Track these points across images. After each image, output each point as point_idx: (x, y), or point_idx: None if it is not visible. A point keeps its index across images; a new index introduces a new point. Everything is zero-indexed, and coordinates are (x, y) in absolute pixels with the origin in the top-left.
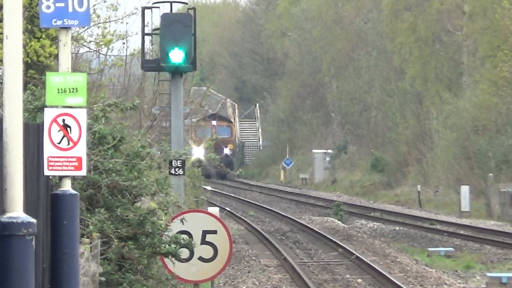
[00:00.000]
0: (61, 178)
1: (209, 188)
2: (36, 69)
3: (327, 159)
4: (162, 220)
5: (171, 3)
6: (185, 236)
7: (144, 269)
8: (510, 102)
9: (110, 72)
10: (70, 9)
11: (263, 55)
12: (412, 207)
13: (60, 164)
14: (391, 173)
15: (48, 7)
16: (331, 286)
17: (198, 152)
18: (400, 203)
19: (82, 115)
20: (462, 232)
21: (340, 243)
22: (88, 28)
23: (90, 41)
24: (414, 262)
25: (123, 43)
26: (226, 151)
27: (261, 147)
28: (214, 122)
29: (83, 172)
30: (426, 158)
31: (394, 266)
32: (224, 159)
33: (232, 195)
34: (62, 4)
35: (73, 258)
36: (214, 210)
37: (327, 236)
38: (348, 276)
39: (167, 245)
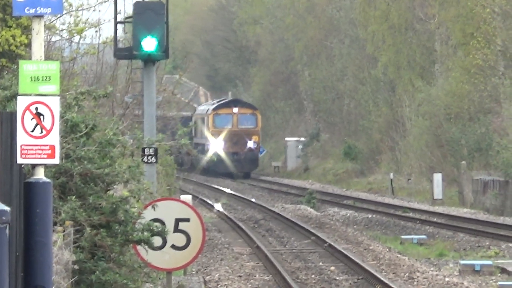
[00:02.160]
0: (34, 166)
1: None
2: (8, 58)
3: (300, 147)
4: (135, 208)
5: None
6: (157, 224)
7: (117, 257)
8: (483, 90)
9: (82, 60)
10: None
11: (236, 43)
12: (385, 195)
13: (33, 152)
14: (364, 161)
15: None
16: (304, 274)
17: (216, 145)
18: (372, 191)
19: (55, 103)
20: (435, 219)
21: (313, 231)
22: (60, 16)
23: (63, 30)
24: (387, 250)
25: (96, 31)
26: (250, 144)
27: None
28: (235, 109)
29: (56, 160)
30: (398, 146)
31: (367, 254)
32: (247, 154)
33: (204, 183)
34: None
35: (46, 246)
36: (187, 198)
37: (300, 224)
38: (321, 264)
39: (139, 233)
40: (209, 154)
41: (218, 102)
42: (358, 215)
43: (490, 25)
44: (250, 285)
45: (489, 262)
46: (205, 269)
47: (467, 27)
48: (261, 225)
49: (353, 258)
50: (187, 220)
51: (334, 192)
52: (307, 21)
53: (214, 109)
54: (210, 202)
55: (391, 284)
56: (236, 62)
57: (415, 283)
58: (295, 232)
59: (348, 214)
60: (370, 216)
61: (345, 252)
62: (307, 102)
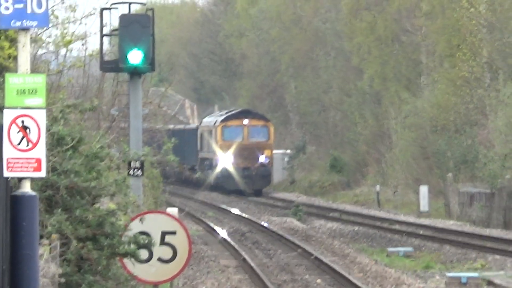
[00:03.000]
0: (20, 179)
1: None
2: None
3: (286, 159)
4: (121, 221)
5: (129, 4)
6: (144, 237)
7: (103, 270)
8: (469, 102)
9: (69, 73)
10: (29, 10)
11: (222, 56)
12: (371, 207)
13: (20, 165)
14: (350, 173)
15: (7, 8)
16: (291, 287)
17: (224, 160)
18: (359, 203)
19: (41, 116)
20: (421, 232)
21: (299, 244)
22: (47, 29)
23: (49, 42)
24: (374, 262)
25: (82, 44)
26: (262, 159)
27: None
28: (245, 121)
29: (42, 174)
30: (385, 158)
31: (354, 266)
32: (259, 170)
33: (191, 195)
34: (21, 5)
35: (33, 259)
36: (173, 211)
37: (286, 236)
38: (307, 276)
39: (126, 246)
40: (218, 169)
41: (227, 113)
42: (345, 228)
43: (476, 37)
44: None
45: (475, 274)
46: (191, 282)
47: (453, 39)
48: (248, 238)
49: (339, 270)
50: (174, 233)
51: (321, 205)
52: (293, 34)
53: (222, 121)
54: (196, 215)
55: None
56: (222, 74)
57: None
58: (281, 244)
59: (335, 227)
60: (356, 228)
61: (331, 264)
62: (293, 114)
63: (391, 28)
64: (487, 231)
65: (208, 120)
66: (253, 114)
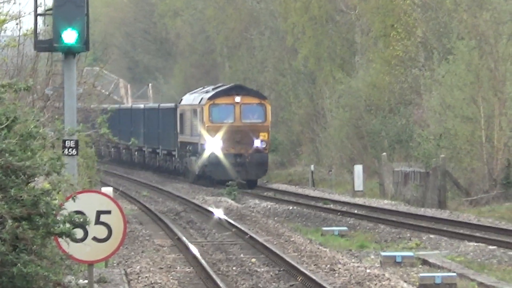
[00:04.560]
0: None
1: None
2: None
3: None
4: (56, 200)
5: None
6: (79, 216)
7: (38, 250)
8: (403, 81)
9: (3, 53)
10: None
11: (156, 35)
12: (306, 186)
13: None
14: (285, 152)
15: None
16: (225, 266)
17: (212, 145)
18: (293, 183)
19: None
20: (355, 211)
21: (234, 223)
22: None
23: None
24: (308, 241)
25: (16, 24)
26: (257, 143)
27: None
28: (237, 98)
29: None
30: (319, 137)
31: (288, 245)
32: (253, 157)
33: (125, 175)
34: None
35: None
36: (108, 190)
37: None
38: (242, 255)
39: (61, 225)
40: (204, 156)
41: (214, 89)
42: (279, 207)
43: (410, 16)
44: (171, 277)
45: (410, 253)
46: (126, 261)
47: (387, 19)
48: (182, 217)
49: (274, 250)
50: (108, 212)
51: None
52: (227, 13)
53: (210, 98)
54: (130, 194)
55: (312, 276)
56: (157, 54)
57: (336, 274)
58: (216, 224)
59: (269, 206)
60: (291, 208)
61: (266, 244)
62: None
63: (325, 8)
64: (421, 211)
65: (190, 98)
66: (247, 90)
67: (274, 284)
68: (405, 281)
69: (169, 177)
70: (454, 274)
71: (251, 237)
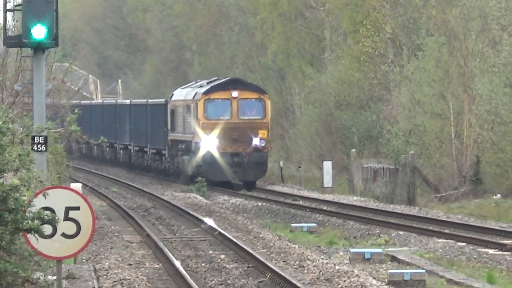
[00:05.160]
0: None
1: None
2: None
3: None
4: (25, 196)
5: None
6: (48, 212)
7: (7, 245)
8: (373, 77)
9: None
10: None
11: (125, 31)
12: (275, 182)
13: None
14: None
15: None
16: (194, 262)
17: (207, 143)
18: (262, 179)
19: None
20: (325, 208)
21: (203, 219)
22: None
23: None
24: (277, 238)
25: None
26: (256, 141)
27: None
28: (235, 93)
29: None
30: (288, 133)
31: (257, 242)
32: (252, 156)
33: (94, 171)
34: None
35: None
36: (77, 186)
37: (190, 212)
38: (211, 252)
39: (30, 221)
40: (199, 155)
41: (209, 83)
42: (248, 203)
43: (380, 12)
44: (140, 273)
45: (379, 250)
46: (95, 257)
47: (356, 15)
48: (151, 213)
49: (243, 246)
50: (77, 208)
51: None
52: (196, 9)
53: (205, 93)
54: (99, 190)
55: (281, 272)
56: (126, 50)
57: (305, 271)
58: (185, 220)
59: (238, 202)
60: (260, 204)
61: (235, 240)
62: None
63: (294, 4)
64: (391, 207)
65: (182, 93)
66: (245, 84)
67: (243, 280)
68: (374, 278)
69: (139, 173)
70: (423, 270)
71: (220, 233)
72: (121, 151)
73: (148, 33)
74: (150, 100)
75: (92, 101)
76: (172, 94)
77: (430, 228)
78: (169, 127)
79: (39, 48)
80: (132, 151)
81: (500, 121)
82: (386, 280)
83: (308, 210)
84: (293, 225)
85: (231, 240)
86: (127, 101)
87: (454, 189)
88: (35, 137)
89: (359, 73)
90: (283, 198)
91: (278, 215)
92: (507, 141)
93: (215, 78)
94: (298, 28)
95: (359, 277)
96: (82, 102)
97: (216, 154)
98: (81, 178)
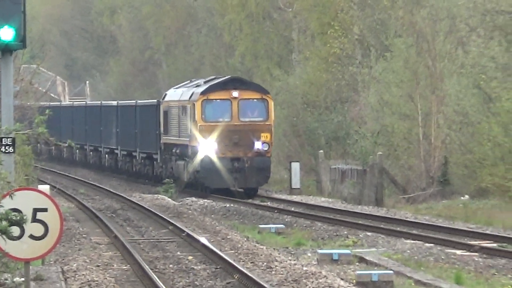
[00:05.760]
0: None
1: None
2: None
3: None
4: None
5: None
6: (16, 214)
7: None
8: (340, 79)
9: None
10: None
11: (93, 33)
12: None
13: None
14: None
15: None
16: (162, 264)
17: (206, 148)
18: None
19: None
20: (292, 209)
21: (171, 221)
22: None
23: None
24: (245, 239)
25: None
26: (258, 145)
27: None
28: (235, 93)
29: None
30: None
31: (225, 243)
32: (254, 161)
33: (62, 172)
34: None
35: None
36: (45, 188)
37: (158, 213)
38: (179, 253)
39: None
40: (196, 161)
41: (207, 82)
42: (216, 205)
43: (347, 14)
44: (108, 275)
45: (347, 251)
46: (63, 259)
47: (324, 16)
48: (119, 215)
49: (211, 247)
50: (45, 210)
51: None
52: (164, 10)
53: (203, 93)
54: (68, 192)
55: (249, 274)
56: (94, 51)
57: (273, 272)
58: (153, 221)
59: (206, 204)
60: (228, 205)
61: (203, 241)
62: (165, 91)
63: (262, 5)
64: (358, 208)
65: (177, 93)
66: (246, 84)
67: (211, 281)
68: (342, 279)
69: (108, 175)
70: (391, 271)
71: (188, 234)
72: (106, 155)
73: (116, 35)
74: (139, 101)
75: (74, 103)
76: (165, 94)
77: (398, 229)
78: (162, 129)
79: (6, 50)
80: (119, 155)
81: (468, 122)
82: (354, 281)
83: (276, 211)
84: (261, 226)
85: (199, 242)
86: (114, 102)
87: (422, 190)
88: (3, 139)
89: (327, 74)
90: (251, 200)
91: (246, 216)
92: (475, 142)
93: (213, 76)
94: (266, 29)
95: (327, 278)
96: (63, 104)
97: (215, 159)
98: (49, 180)
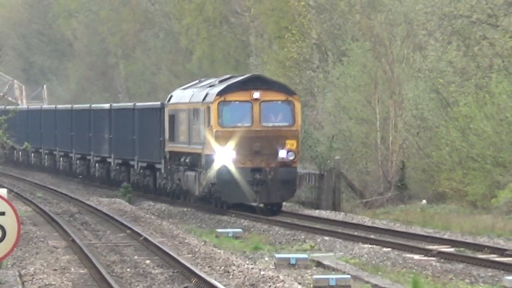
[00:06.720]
0: None
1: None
2: None
3: None
4: None
5: None
6: None
7: None
8: (298, 83)
9: None
10: None
11: (51, 36)
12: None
13: None
14: None
15: None
16: (120, 268)
17: (223, 156)
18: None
19: None
20: (250, 213)
21: (128, 225)
22: None
23: None
24: (202, 243)
25: None
26: (283, 154)
27: None
28: (256, 94)
29: None
30: None
31: (183, 247)
32: (278, 172)
33: (20, 176)
34: None
35: None
36: (2, 191)
37: (115, 217)
38: (136, 257)
39: None
40: (212, 171)
41: (222, 81)
42: (173, 209)
43: (305, 18)
44: (65, 279)
45: (304, 255)
46: (20, 263)
47: (282, 21)
48: (77, 219)
49: (168, 251)
50: (2, 213)
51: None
52: (122, 15)
53: (219, 94)
54: (26, 196)
55: (206, 278)
56: (51, 55)
57: (230, 276)
58: (110, 225)
59: (163, 208)
60: (185, 209)
61: (160, 245)
62: (123, 95)
63: (220, 10)
64: (316, 212)
65: (186, 94)
66: (269, 83)
67: (168, 285)
68: (300, 283)
69: (65, 179)
70: (348, 276)
71: (145, 238)
72: (96, 164)
73: (74, 39)
74: (139, 104)
75: (58, 106)
76: (171, 96)
77: (356, 233)
78: (167, 136)
79: None
80: (112, 164)
81: (426, 126)
82: (311, 285)
83: (233, 215)
84: (218, 230)
85: (156, 246)
86: (106, 105)
87: (380, 195)
88: None
89: (284, 79)
90: (209, 203)
91: (204, 220)
92: (433, 147)
93: (229, 75)
94: (223, 33)
95: (284, 283)
96: (44, 107)
97: (233, 169)
98: (7, 184)
